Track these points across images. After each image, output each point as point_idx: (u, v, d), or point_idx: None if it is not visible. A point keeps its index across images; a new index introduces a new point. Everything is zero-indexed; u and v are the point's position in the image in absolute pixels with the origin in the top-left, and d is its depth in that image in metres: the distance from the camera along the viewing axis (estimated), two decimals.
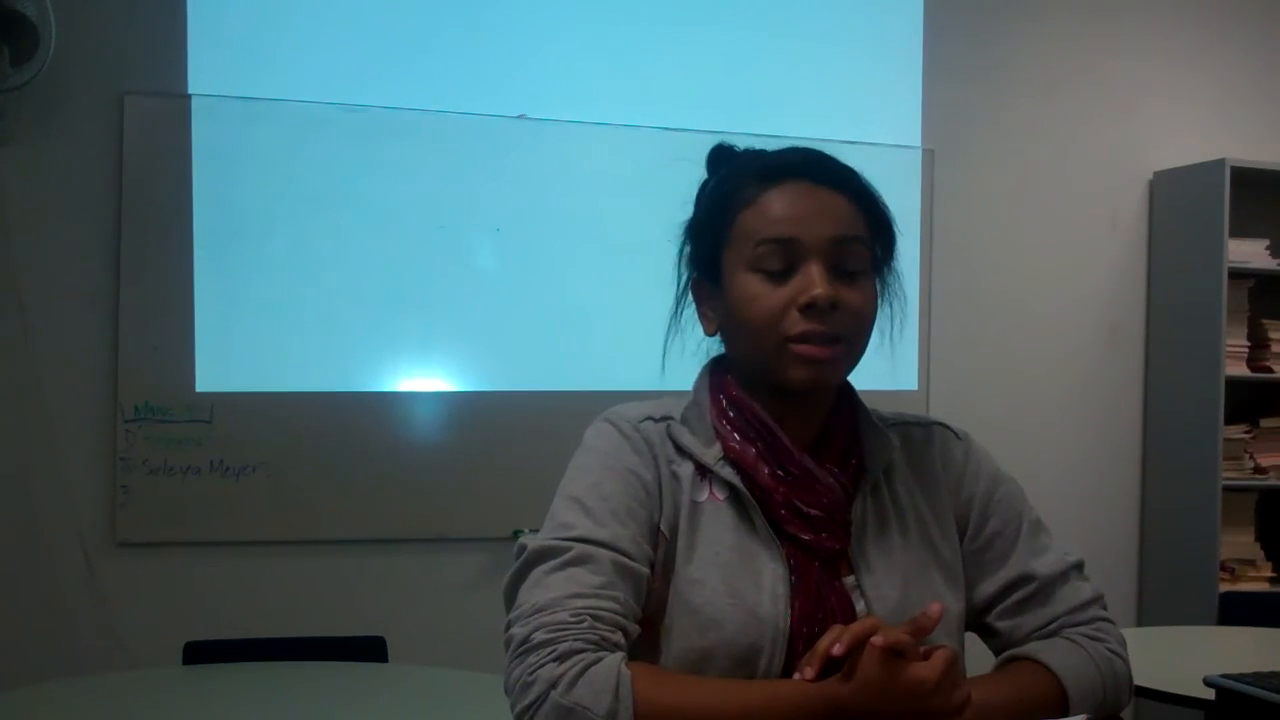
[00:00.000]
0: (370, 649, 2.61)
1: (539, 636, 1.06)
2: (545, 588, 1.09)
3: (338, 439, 3.30)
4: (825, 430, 1.23)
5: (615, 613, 1.09)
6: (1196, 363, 3.89)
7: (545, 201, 3.43)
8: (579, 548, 1.11)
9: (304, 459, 3.27)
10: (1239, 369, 3.90)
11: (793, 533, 1.17)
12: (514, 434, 3.32)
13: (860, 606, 1.17)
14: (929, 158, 3.82)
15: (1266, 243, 3.97)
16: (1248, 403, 3.98)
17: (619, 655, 1.07)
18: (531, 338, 3.42)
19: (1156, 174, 4.10)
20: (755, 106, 3.65)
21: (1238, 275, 3.87)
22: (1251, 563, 3.93)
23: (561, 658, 1.04)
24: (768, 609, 1.14)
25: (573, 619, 1.07)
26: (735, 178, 1.21)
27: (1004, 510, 1.28)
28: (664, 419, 1.22)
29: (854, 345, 1.19)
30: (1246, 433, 3.95)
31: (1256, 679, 1.77)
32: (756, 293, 1.16)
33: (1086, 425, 4.04)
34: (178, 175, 3.20)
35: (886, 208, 1.23)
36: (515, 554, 1.15)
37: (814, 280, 1.14)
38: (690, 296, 1.27)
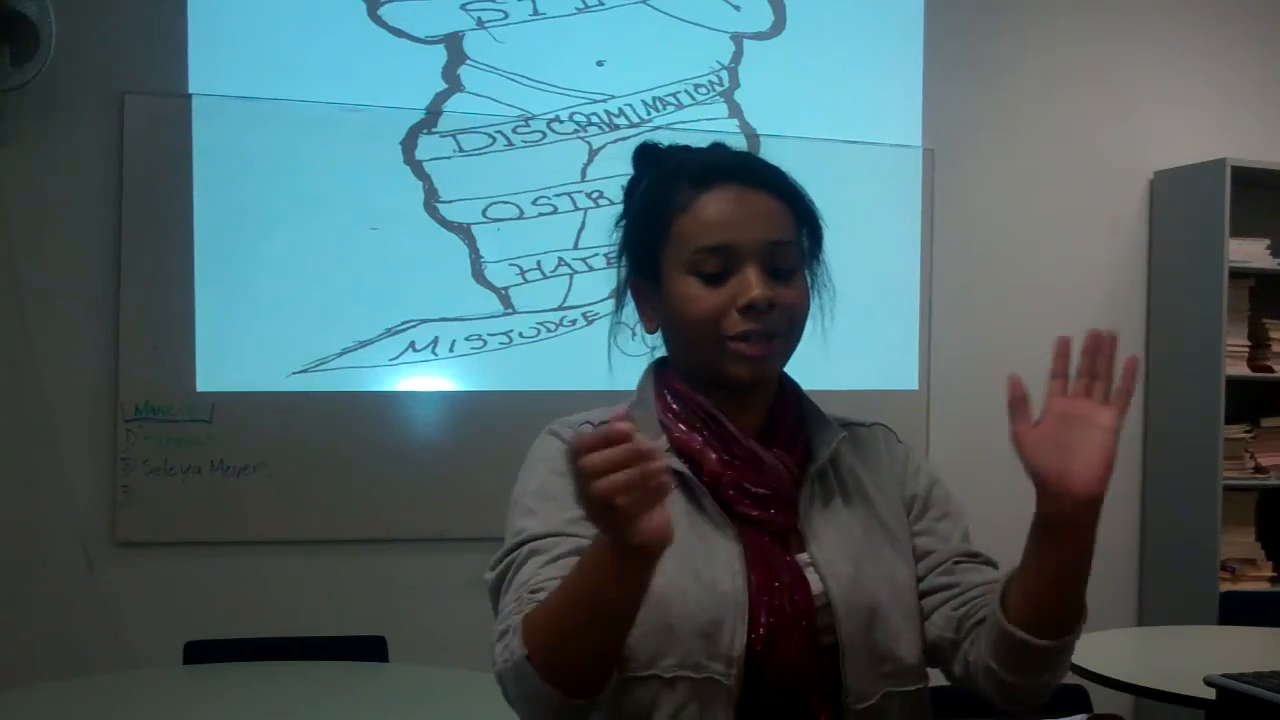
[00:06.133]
0: (370, 649, 2.61)
1: (498, 630, 1.12)
2: (506, 598, 1.15)
3: (338, 439, 3.29)
4: (769, 419, 1.27)
5: (556, 577, 1.11)
6: (1196, 363, 3.89)
7: (545, 202, 3.43)
8: (524, 549, 1.17)
9: (304, 459, 3.27)
10: (1239, 369, 3.90)
11: (743, 511, 1.21)
12: (514, 434, 3.30)
13: (814, 579, 1.20)
14: (929, 158, 3.82)
15: (1266, 243, 3.97)
16: (1248, 403, 3.98)
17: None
18: (533, 337, 3.43)
19: (1156, 174, 4.10)
20: (756, 106, 3.66)
21: (1238, 275, 3.87)
22: (1252, 562, 3.93)
23: (503, 634, 1.10)
24: (726, 584, 1.17)
25: (514, 603, 1.12)
26: (667, 181, 1.24)
27: (943, 503, 1.32)
28: (603, 424, 1.24)
29: (790, 339, 1.24)
30: (1246, 433, 3.94)
31: (1257, 679, 1.77)
32: (695, 295, 1.20)
33: None
34: (178, 175, 3.20)
35: (813, 204, 1.27)
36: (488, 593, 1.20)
37: (751, 283, 1.18)
38: (630, 295, 1.31)
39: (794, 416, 1.28)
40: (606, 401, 1.29)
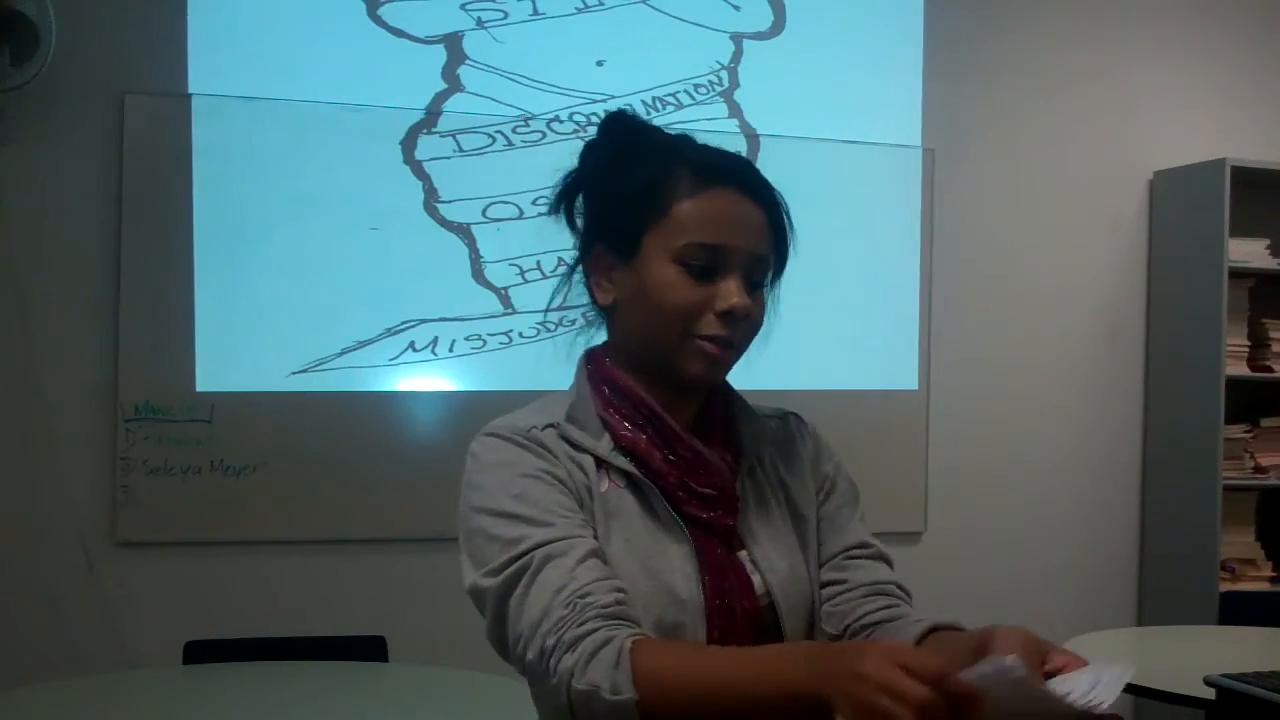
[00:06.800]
0: (370, 649, 2.61)
1: (549, 642, 1.07)
2: (530, 606, 1.10)
3: (338, 439, 3.29)
4: (703, 414, 1.27)
5: (599, 579, 1.10)
6: (1196, 363, 3.89)
7: (545, 202, 3.42)
8: (536, 555, 1.12)
9: (304, 459, 3.27)
10: (1239, 369, 3.90)
11: (691, 512, 1.21)
12: None
13: (756, 579, 1.22)
14: (929, 158, 3.82)
15: (1266, 243, 3.97)
16: (1248, 403, 3.98)
17: (626, 630, 1.07)
18: (532, 337, 3.43)
19: (1156, 174, 4.10)
20: (756, 106, 3.66)
21: (1238, 275, 3.87)
22: (1252, 562, 3.93)
23: (571, 646, 1.05)
24: (683, 587, 1.17)
25: (567, 610, 1.08)
26: (666, 162, 1.22)
27: (845, 490, 1.35)
28: (548, 426, 1.23)
29: (740, 352, 1.25)
30: (1246, 433, 3.94)
31: (1257, 679, 1.78)
32: (679, 284, 1.19)
33: (1087, 425, 4.04)
34: (178, 175, 3.20)
35: (792, 230, 1.27)
36: (480, 603, 1.15)
37: (735, 291, 1.19)
38: (588, 261, 1.28)
39: (723, 413, 1.29)
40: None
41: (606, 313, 1.28)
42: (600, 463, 1.22)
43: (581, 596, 1.08)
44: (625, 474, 1.21)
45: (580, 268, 1.32)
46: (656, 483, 1.21)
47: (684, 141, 1.27)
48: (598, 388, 1.26)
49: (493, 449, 1.23)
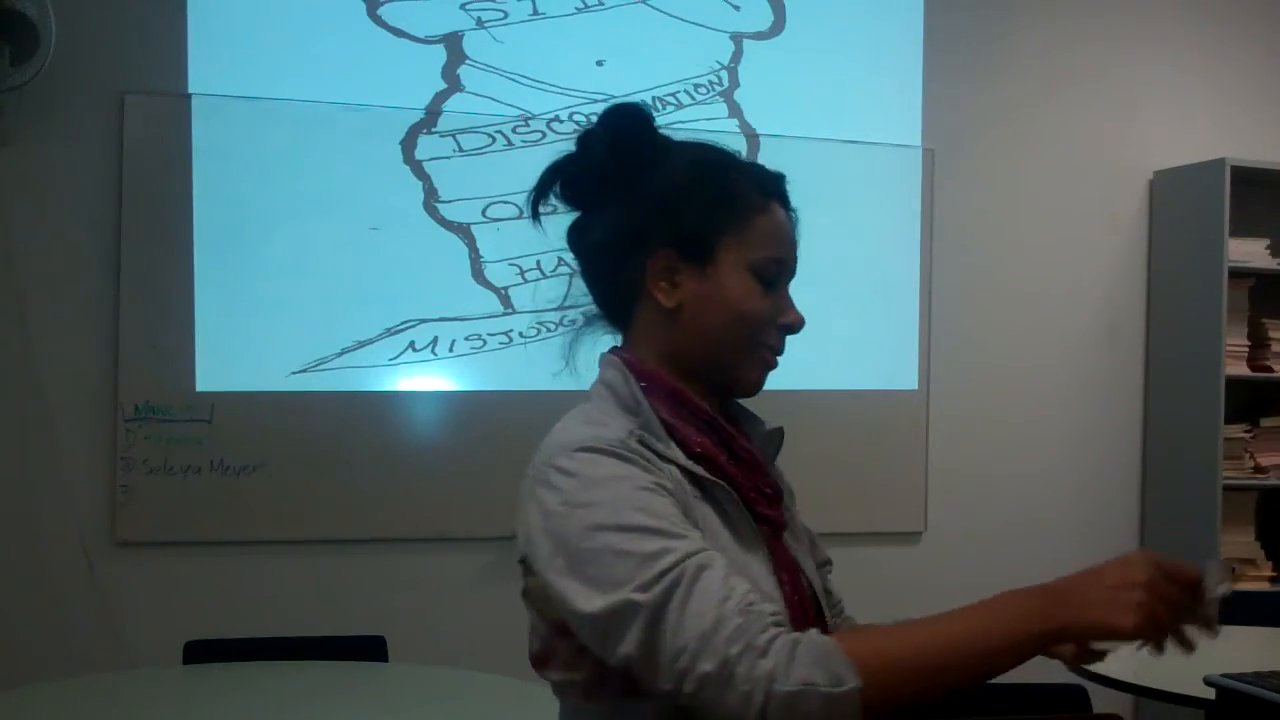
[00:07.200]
0: (370, 649, 2.62)
1: (733, 651, 1.01)
2: (696, 616, 1.03)
3: (338, 439, 3.29)
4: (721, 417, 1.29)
5: (752, 589, 1.07)
6: (1196, 363, 3.89)
7: (545, 202, 3.42)
8: (689, 565, 1.05)
9: (304, 459, 3.27)
10: (1239, 369, 3.90)
11: (763, 513, 1.22)
12: (514, 434, 3.31)
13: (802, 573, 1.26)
14: (929, 158, 3.82)
15: (1266, 243, 3.97)
16: (1248, 403, 3.98)
17: (812, 630, 1.05)
18: (532, 337, 3.43)
19: (1156, 174, 4.10)
20: (756, 106, 3.66)
21: (1238, 275, 3.87)
22: (1252, 562, 3.93)
23: (764, 652, 1.00)
24: (770, 589, 1.17)
25: (743, 617, 1.02)
26: (725, 171, 1.23)
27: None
28: (630, 434, 1.17)
29: None
30: (1246, 433, 3.94)
31: (1257, 678, 1.78)
32: (756, 294, 1.22)
33: (1086, 425, 4.04)
34: (178, 175, 3.20)
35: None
36: (621, 623, 1.05)
37: (793, 307, 1.25)
38: (641, 261, 1.24)
39: (729, 415, 1.30)
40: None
41: (660, 316, 1.23)
42: (682, 471, 1.17)
43: (750, 605, 1.04)
44: (698, 481, 1.18)
45: (605, 261, 1.32)
46: (732, 486, 1.20)
47: (721, 148, 1.28)
48: (654, 394, 1.21)
49: (596, 464, 1.13)
